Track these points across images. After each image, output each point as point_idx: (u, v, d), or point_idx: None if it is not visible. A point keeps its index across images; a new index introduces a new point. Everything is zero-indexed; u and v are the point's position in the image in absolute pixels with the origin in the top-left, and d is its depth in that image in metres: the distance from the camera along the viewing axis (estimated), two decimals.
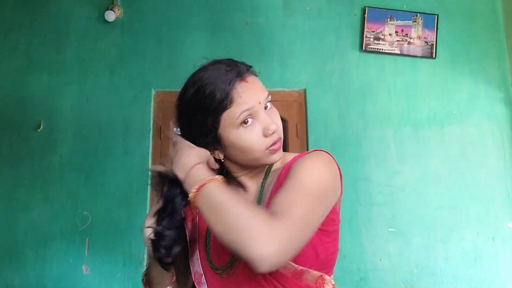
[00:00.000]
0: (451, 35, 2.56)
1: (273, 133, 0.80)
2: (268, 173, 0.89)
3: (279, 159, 0.84)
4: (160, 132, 2.44)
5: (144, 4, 2.59)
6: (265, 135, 0.80)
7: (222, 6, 2.58)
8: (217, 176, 0.76)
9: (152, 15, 2.58)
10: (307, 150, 2.40)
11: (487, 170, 2.40)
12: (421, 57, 2.53)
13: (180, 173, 0.77)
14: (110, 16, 2.47)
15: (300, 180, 0.76)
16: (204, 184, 0.73)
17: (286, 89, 2.50)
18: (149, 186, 2.35)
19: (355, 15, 2.58)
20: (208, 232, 0.89)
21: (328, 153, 0.86)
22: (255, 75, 0.86)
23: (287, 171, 0.83)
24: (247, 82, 0.81)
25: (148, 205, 2.34)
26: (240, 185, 0.90)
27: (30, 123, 2.43)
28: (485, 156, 2.42)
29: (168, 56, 2.51)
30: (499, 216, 2.35)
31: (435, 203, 2.36)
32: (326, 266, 0.84)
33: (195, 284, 0.90)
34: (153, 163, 2.40)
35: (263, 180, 0.89)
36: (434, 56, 2.53)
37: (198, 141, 0.82)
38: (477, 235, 2.33)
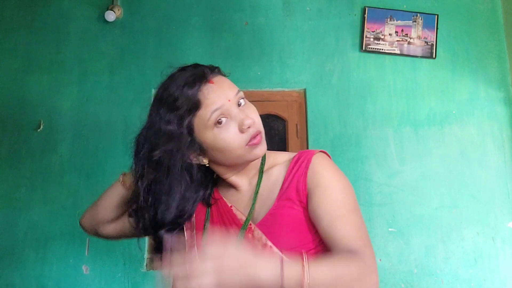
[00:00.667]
0: (451, 35, 2.56)
1: (249, 127, 0.81)
2: (262, 172, 0.90)
3: (263, 153, 0.85)
4: None
5: (144, 4, 2.59)
6: (242, 131, 0.81)
7: (222, 6, 2.58)
8: (300, 262, 0.68)
9: (152, 15, 2.58)
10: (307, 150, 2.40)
11: (487, 170, 2.40)
12: (421, 57, 2.53)
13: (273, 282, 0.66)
14: (110, 16, 2.47)
15: (343, 203, 0.82)
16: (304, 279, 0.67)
17: (286, 89, 2.50)
18: None
19: (355, 15, 2.58)
20: (205, 233, 0.90)
21: (327, 154, 0.90)
22: (223, 75, 0.87)
23: (300, 170, 0.85)
24: (213, 82, 0.81)
25: None
26: (231, 186, 0.92)
27: (30, 123, 2.43)
28: (485, 156, 2.42)
29: (168, 56, 2.51)
30: (499, 216, 2.35)
31: (435, 203, 2.36)
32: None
33: None
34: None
35: (259, 179, 0.89)
36: (434, 56, 2.53)
37: (179, 152, 0.81)
38: (477, 235, 2.33)
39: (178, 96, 0.80)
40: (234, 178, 0.90)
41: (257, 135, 0.82)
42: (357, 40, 2.55)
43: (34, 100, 2.46)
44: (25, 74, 2.49)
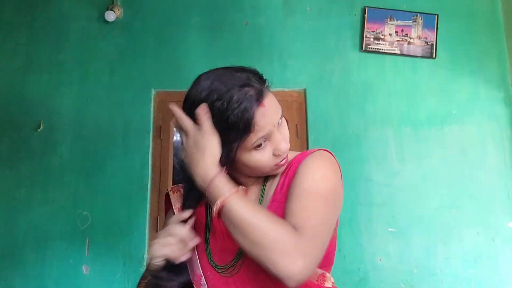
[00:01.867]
0: (451, 35, 2.56)
1: (283, 153, 0.81)
2: (268, 176, 0.89)
3: (282, 170, 0.85)
4: (160, 132, 2.44)
5: (144, 4, 2.59)
6: (275, 155, 0.81)
7: (222, 6, 2.59)
8: (239, 187, 0.75)
9: (152, 15, 2.58)
10: (307, 150, 2.40)
11: (487, 170, 2.40)
12: (421, 57, 2.53)
13: (200, 183, 0.75)
14: (110, 16, 2.47)
15: (311, 186, 0.77)
16: (227, 199, 0.72)
17: (286, 89, 2.50)
18: (149, 186, 2.36)
19: (355, 15, 2.58)
20: (207, 232, 0.89)
21: (329, 152, 0.86)
22: (269, 88, 0.82)
23: (291, 170, 0.84)
24: (264, 106, 0.77)
25: (148, 205, 2.34)
26: (240, 184, 0.89)
27: (30, 123, 2.43)
28: (485, 156, 2.42)
29: (168, 56, 2.51)
30: (499, 216, 2.35)
31: (435, 203, 2.36)
32: (327, 263, 0.85)
33: (194, 285, 0.88)
34: (153, 166, 2.41)
35: (264, 182, 0.89)
36: (434, 56, 2.53)
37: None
38: (477, 235, 2.33)
39: (235, 118, 0.74)
40: (245, 181, 0.89)
41: (286, 157, 0.83)
42: (357, 40, 2.55)
43: (34, 100, 2.46)
44: (25, 74, 2.49)
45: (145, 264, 2.26)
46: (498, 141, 2.44)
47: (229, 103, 0.74)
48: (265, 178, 0.89)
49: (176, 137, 2.53)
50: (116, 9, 2.49)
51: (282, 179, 0.85)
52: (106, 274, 2.26)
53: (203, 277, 0.87)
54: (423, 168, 2.40)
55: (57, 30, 2.55)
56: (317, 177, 0.79)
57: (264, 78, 0.82)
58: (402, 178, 2.39)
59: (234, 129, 0.75)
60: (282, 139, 0.80)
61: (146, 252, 2.29)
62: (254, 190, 0.90)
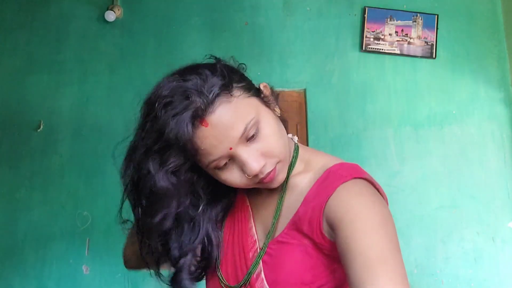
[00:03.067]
0: (451, 35, 2.56)
1: (256, 175, 0.66)
2: (287, 182, 0.74)
3: (279, 183, 0.70)
4: None
5: (144, 4, 2.59)
6: (248, 177, 0.67)
7: (222, 6, 2.58)
8: None
9: (152, 15, 2.57)
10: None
11: (487, 170, 2.40)
12: (421, 57, 2.53)
13: None
14: (110, 16, 2.47)
15: (382, 239, 0.64)
16: None
17: (286, 89, 2.49)
18: None
19: (355, 15, 2.58)
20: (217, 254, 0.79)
21: (368, 179, 0.73)
22: (228, 89, 0.65)
23: (326, 191, 0.68)
24: (207, 125, 0.62)
25: None
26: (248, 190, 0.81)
27: (30, 123, 2.43)
28: (485, 156, 2.42)
29: (168, 56, 2.51)
30: (499, 216, 2.35)
31: (435, 203, 2.36)
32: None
33: None
34: None
35: (283, 189, 0.74)
36: (434, 56, 2.53)
37: (168, 201, 0.69)
38: (477, 235, 2.33)
39: (173, 136, 0.62)
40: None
41: (268, 174, 0.67)
42: (357, 40, 2.55)
43: (34, 100, 2.46)
44: (25, 74, 2.49)
45: None
46: (498, 141, 2.44)
47: (163, 118, 0.63)
48: (283, 190, 0.74)
49: None
50: (116, 9, 2.49)
51: (308, 197, 0.70)
52: (106, 274, 2.26)
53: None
54: (423, 168, 2.40)
55: (57, 30, 2.55)
56: (375, 223, 0.65)
57: (232, 74, 0.68)
58: (402, 178, 2.39)
59: (177, 149, 0.63)
60: (252, 159, 0.64)
61: None
62: (269, 194, 0.77)
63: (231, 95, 0.65)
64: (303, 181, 0.73)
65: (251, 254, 0.74)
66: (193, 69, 0.69)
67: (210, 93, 0.63)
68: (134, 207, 0.77)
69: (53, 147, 2.40)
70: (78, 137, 2.41)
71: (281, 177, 0.70)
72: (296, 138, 0.79)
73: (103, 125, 2.43)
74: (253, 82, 0.77)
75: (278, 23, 2.57)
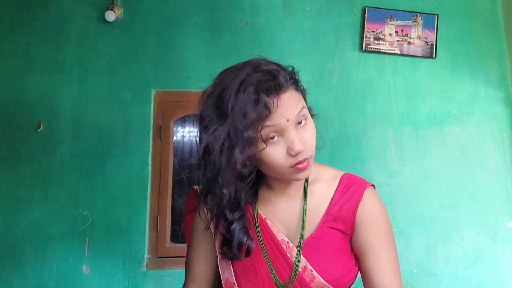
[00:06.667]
0: (451, 35, 2.56)
1: (298, 153, 0.79)
2: (307, 188, 0.91)
3: (305, 177, 0.85)
4: (160, 132, 2.44)
5: (144, 4, 2.59)
6: (289, 155, 0.80)
7: (222, 6, 2.58)
8: None
9: (152, 15, 2.57)
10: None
11: (487, 170, 2.40)
12: (421, 57, 2.53)
13: None
14: (110, 16, 2.47)
15: (387, 237, 0.87)
16: None
17: None
18: (149, 186, 2.36)
19: (355, 15, 2.58)
20: (264, 248, 0.87)
21: (374, 187, 0.95)
22: (296, 85, 0.85)
23: (352, 198, 0.89)
24: (280, 99, 0.78)
25: (148, 205, 2.35)
26: (267, 186, 0.92)
27: (30, 123, 2.43)
28: (485, 156, 2.42)
29: (168, 56, 2.51)
30: (499, 216, 2.35)
31: (435, 203, 2.36)
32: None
33: None
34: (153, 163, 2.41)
35: (305, 197, 0.90)
36: (434, 56, 2.53)
37: (249, 147, 0.78)
38: (477, 235, 2.33)
39: (255, 102, 0.76)
40: (273, 182, 0.91)
41: (304, 160, 0.81)
42: (357, 40, 2.55)
43: (34, 100, 2.46)
44: (25, 74, 2.49)
45: (145, 264, 2.26)
46: (498, 141, 2.44)
47: (247, 87, 0.77)
48: (305, 196, 0.90)
49: (176, 137, 2.53)
50: (116, 9, 2.49)
51: (336, 204, 0.88)
52: (106, 274, 2.26)
53: (236, 285, 0.87)
54: (423, 168, 2.40)
55: (57, 30, 2.55)
56: (386, 227, 0.88)
57: (297, 78, 0.86)
58: (402, 178, 2.39)
59: (259, 113, 0.75)
60: (298, 139, 0.79)
61: (146, 252, 2.29)
62: (288, 195, 0.91)
63: (296, 89, 0.84)
64: (320, 188, 0.91)
65: (289, 254, 0.85)
66: (277, 63, 0.87)
67: (286, 80, 0.81)
68: (219, 152, 0.80)
69: (53, 147, 2.40)
70: (78, 137, 2.41)
71: (308, 171, 0.84)
72: None
73: (103, 125, 2.43)
74: None
75: (278, 23, 2.57)
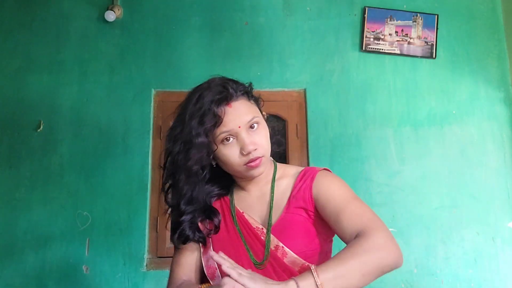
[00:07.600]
0: (451, 35, 2.56)
1: (249, 153, 0.93)
2: (274, 182, 1.04)
3: (260, 174, 0.99)
4: (160, 132, 2.44)
5: (144, 4, 2.59)
6: (242, 154, 0.94)
7: (222, 6, 2.58)
8: (309, 272, 0.79)
9: (152, 15, 2.57)
10: (307, 150, 2.42)
11: (487, 170, 2.40)
12: (421, 57, 2.53)
13: None
14: (110, 16, 2.47)
15: (343, 194, 0.95)
16: (317, 281, 0.77)
17: (286, 89, 2.50)
18: (149, 186, 2.36)
19: (355, 15, 2.58)
20: (242, 236, 1.00)
21: (330, 171, 1.05)
22: (247, 96, 0.99)
23: (307, 182, 1.00)
24: (231, 107, 0.94)
25: (148, 205, 2.35)
26: (241, 188, 1.07)
27: (30, 123, 2.43)
28: (485, 156, 2.42)
29: (168, 56, 2.51)
30: (499, 216, 2.35)
31: (435, 203, 2.37)
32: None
33: (208, 277, 1.00)
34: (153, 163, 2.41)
35: (272, 189, 1.03)
36: (434, 56, 2.53)
37: (207, 157, 0.96)
38: (477, 235, 2.33)
39: (206, 113, 0.93)
40: (245, 184, 1.05)
41: (256, 159, 0.95)
42: (357, 40, 2.55)
43: (34, 100, 2.46)
44: (25, 74, 2.49)
45: (145, 264, 2.26)
46: (498, 141, 2.44)
47: (201, 99, 0.94)
48: (272, 188, 1.03)
49: None
50: (116, 9, 2.49)
51: (296, 188, 1.00)
52: (106, 274, 2.26)
53: (217, 269, 0.98)
54: (423, 168, 2.40)
55: (57, 30, 2.55)
56: (338, 187, 0.97)
57: (250, 90, 1.01)
58: (402, 178, 2.39)
59: (208, 122, 0.92)
60: (249, 141, 0.94)
61: (146, 252, 2.29)
62: (255, 193, 1.05)
63: (248, 99, 1.00)
64: (284, 182, 1.04)
65: (262, 237, 0.98)
66: (232, 79, 1.01)
67: (237, 91, 0.97)
68: (176, 154, 0.99)
69: (53, 147, 2.40)
70: (78, 137, 2.41)
71: (261, 169, 0.99)
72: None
73: (103, 125, 2.43)
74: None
75: (278, 23, 2.57)
